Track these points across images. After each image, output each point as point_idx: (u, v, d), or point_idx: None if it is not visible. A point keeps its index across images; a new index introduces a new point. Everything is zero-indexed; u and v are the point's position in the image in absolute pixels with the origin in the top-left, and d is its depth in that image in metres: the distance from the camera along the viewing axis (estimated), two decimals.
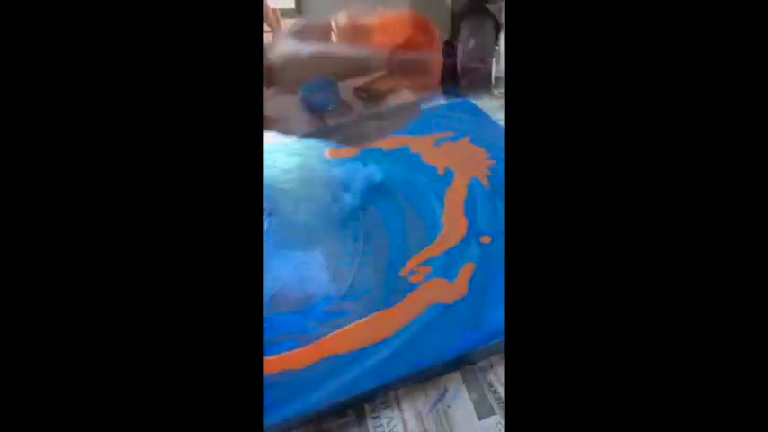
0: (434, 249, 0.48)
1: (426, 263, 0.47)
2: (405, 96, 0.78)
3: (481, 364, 0.39)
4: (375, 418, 0.37)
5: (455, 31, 0.73)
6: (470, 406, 0.37)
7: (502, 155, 0.47)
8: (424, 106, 0.67)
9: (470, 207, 0.52)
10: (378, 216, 0.54)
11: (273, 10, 2.20)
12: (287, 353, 0.41)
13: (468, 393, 0.37)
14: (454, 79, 0.77)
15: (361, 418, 0.37)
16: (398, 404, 0.38)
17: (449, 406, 0.37)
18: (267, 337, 0.43)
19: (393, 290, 0.45)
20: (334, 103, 0.79)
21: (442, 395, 0.37)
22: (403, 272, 0.46)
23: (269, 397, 0.37)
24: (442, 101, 0.69)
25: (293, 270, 0.47)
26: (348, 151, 0.62)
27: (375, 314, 0.42)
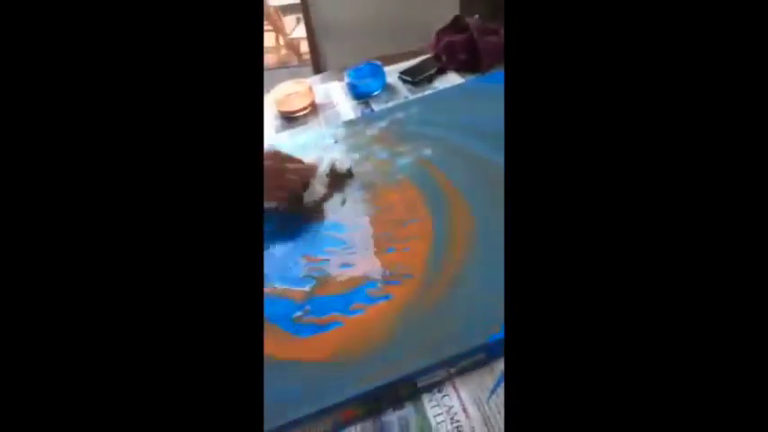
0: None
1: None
2: (452, 79, 0.77)
3: None
4: (434, 406, 0.36)
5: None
6: None
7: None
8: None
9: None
10: (422, 200, 0.53)
11: (275, 8, 2.20)
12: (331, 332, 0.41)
13: None
14: (501, 61, 0.74)
15: (418, 405, 0.36)
16: (456, 390, 0.37)
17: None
18: (315, 317, 0.43)
19: (434, 276, 0.44)
20: (379, 88, 0.79)
21: (501, 380, 0.36)
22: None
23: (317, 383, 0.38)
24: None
25: None
26: None
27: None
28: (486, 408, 0.35)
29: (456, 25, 0.79)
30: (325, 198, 0.57)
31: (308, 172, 0.57)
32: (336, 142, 0.65)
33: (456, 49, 0.75)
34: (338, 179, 0.59)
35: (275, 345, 0.41)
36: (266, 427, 0.36)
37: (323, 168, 0.58)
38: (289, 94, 0.74)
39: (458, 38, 0.75)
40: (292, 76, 0.82)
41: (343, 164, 0.59)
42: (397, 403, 0.36)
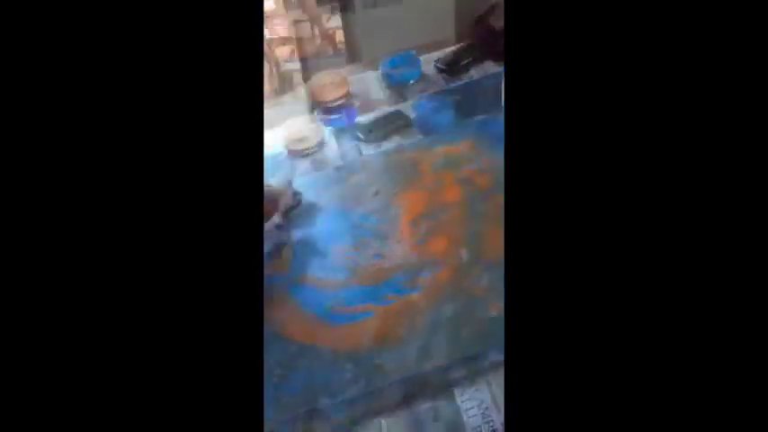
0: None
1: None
2: (488, 68, 0.75)
3: None
4: (466, 400, 0.36)
5: None
6: None
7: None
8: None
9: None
10: (457, 192, 0.52)
11: None
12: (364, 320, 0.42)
13: None
14: None
15: (450, 398, 0.36)
16: (488, 385, 0.36)
17: None
18: (347, 306, 0.44)
19: (467, 269, 0.44)
20: (414, 78, 0.78)
21: None
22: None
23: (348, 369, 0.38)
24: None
25: None
26: None
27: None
28: None
29: (494, 13, 0.77)
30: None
31: None
32: (371, 132, 0.65)
33: (494, 37, 0.73)
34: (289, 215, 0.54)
35: (308, 332, 0.42)
36: (295, 411, 0.37)
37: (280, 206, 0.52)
38: (324, 85, 0.74)
39: (496, 25, 0.73)
40: (327, 66, 0.82)
41: (296, 198, 0.54)
42: (429, 395, 0.36)
